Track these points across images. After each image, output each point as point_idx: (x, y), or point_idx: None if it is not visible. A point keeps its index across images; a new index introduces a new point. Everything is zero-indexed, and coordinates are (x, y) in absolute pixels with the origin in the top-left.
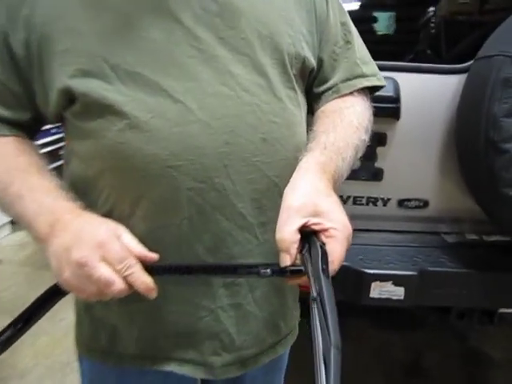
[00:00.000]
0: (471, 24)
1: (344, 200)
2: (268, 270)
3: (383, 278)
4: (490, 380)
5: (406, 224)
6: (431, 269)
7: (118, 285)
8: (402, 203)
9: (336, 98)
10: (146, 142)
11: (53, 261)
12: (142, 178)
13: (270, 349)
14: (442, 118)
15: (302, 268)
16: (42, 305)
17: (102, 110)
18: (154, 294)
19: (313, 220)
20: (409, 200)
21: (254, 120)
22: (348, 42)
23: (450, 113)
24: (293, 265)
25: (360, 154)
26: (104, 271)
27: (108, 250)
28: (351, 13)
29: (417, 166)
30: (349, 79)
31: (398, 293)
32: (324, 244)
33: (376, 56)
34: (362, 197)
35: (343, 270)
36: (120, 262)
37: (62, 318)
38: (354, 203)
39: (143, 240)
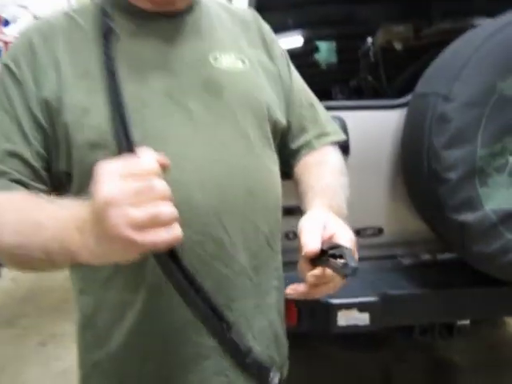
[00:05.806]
0: (406, 51)
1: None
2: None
3: (348, 306)
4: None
5: (363, 251)
6: (391, 292)
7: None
8: (358, 233)
9: (311, 151)
10: None
11: (113, 243)
12: None
13: None
14: (388, 151)
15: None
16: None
17: None
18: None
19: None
20: (364, 229)
21: (241, 178)
22: (312, 105)
23: (395, 145)
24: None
25: (347, 192)
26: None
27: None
28: (295, 48)
29: (369, 197)
30: (320, 136)
31: (363, 318)
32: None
33: (322, 83)
34: None
35: (311, 301)
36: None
37: None
38: None
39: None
